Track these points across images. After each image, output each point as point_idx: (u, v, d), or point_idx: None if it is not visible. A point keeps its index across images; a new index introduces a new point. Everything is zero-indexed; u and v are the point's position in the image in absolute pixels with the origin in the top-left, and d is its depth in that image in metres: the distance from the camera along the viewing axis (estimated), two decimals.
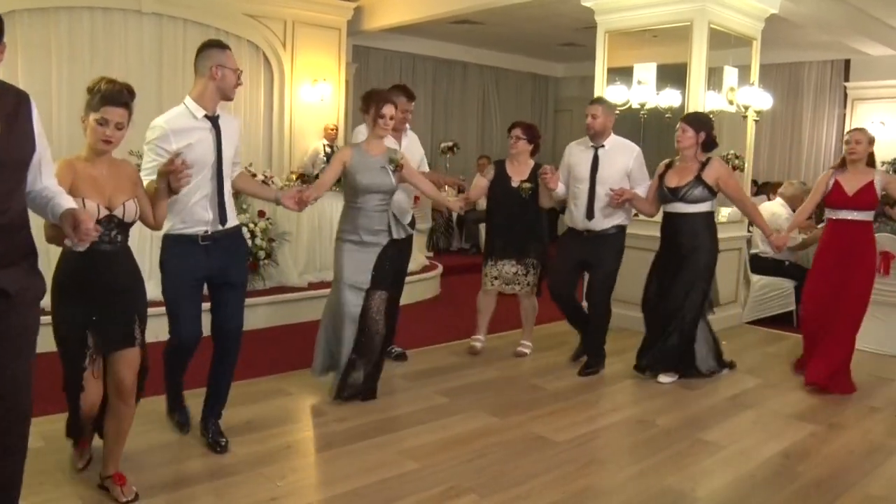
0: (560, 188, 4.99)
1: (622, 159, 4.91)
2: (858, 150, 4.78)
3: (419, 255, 7.45)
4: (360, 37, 10.29)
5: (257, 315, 5.63)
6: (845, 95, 10.45)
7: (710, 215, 4.84)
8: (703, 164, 4.73)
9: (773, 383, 5.02)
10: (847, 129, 10.23)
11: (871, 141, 4.87)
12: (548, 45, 11.60)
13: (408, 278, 7.13)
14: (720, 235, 6.16)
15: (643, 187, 4.94)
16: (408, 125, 5.01)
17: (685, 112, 6.00)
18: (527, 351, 5.37)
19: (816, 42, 9.51)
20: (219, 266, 3.41)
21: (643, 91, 6.22)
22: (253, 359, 4.57)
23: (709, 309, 4.99)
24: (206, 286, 3.49)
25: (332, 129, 9.30)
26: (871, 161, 4.86)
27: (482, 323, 5.42)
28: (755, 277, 6.74)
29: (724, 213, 6.72)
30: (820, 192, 4.91)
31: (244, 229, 5.76)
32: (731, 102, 6.29)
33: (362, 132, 4.52)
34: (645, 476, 3.49)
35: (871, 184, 4.71)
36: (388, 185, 4.25)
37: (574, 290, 5.14)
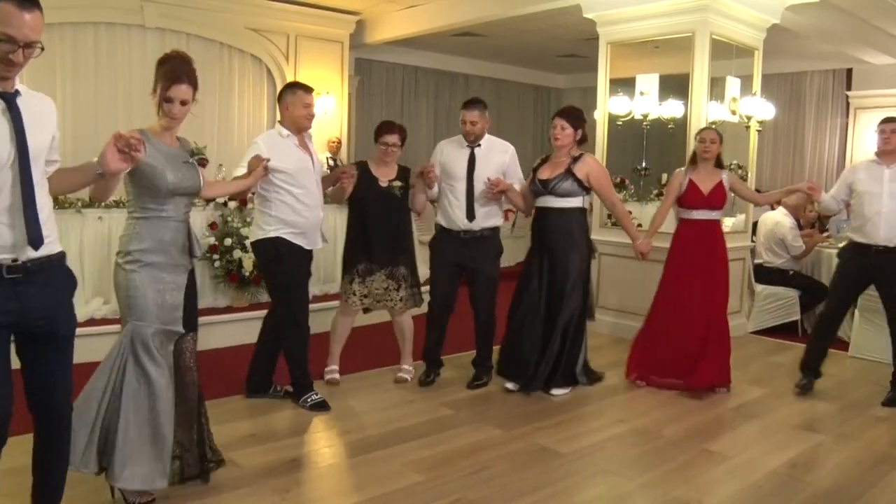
0: (434, 188, 4.82)
1: (498, 157, 4.85)
2: (712, 149, 4.90)
3: (422, 267, 7.43)
4: (362, 50, 10.35)
5: (253, 329, 5.52)
6: (847, 104, 10.44)
7: (582, 213, 4.76)
8: (576, 159, 4.68)
9: (778, 393, 5.00)
10: (850, 138, 10.27)
11: (722, 140, 4.99)
12: (549, 57, 11.64)
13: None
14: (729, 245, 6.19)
15: (518, 186, 4.90)
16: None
17: (688, 123, 6.03)
18: (408, 377, 4.97)
19: (818, 52, 9.52)
20: (33, 309, 2.36)
21: (646, 102, 6.23)
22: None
23: (588, 316, 4.87)
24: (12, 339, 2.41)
25: (335, 142, 9.34)
26: (718, 161, 4.97)
27: (336, 350, 4.90)
28: (759, 287, 6.73)
29: (728, 222, 6.72)
30: (674, 193, 4.94)
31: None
32: (733, 112, 6.29)
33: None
34: (651, 487, 3.47)
35: (721, 183, 4.87)
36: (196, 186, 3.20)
37: (454, 301, 4.94)
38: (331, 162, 8.88)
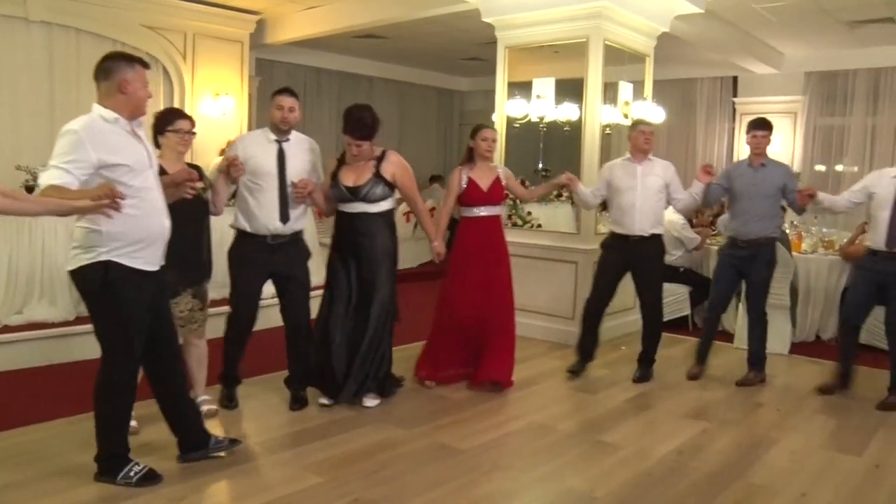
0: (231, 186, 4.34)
1: (305, 154, 4.41)
2: (494, 147, 5.00)
3: (322, 269, 7.37)
4: (263, 50, 10.19)
5: None
6: (734, 110, 11.00)
7: (390, 214, 4.56)
8: (380, 159, 4.43)
9: (669, 385, 5.23)
10: (737, 141, 10.82)
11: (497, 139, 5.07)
12: (452, 60, 11.77)
13: (317, 292, 7.08)
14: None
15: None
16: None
17: (583, 125, 6.22)
18: (214, 407, 4.32)
19: (707, 60, 9.99)
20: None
21: (542, 105, 6.40)
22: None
23: (395, 316, 4.64)
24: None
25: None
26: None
27: (201, 377, 4.34)
28: None
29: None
30: (455, 191, 4.92)
31: None
32: (626, 116, 6.54)
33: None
34: (547, 479, 3.58)
35: (498, 178, 4.95)
36: None
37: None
38: None
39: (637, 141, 5.22)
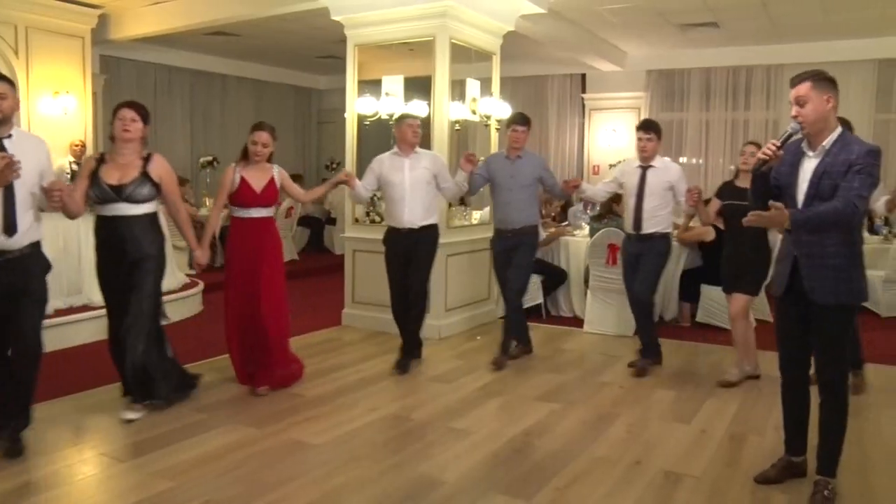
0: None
1: (39, 153, 3.81)
2: (264, 153, 4.75)
3: (178, 273, 7.19)
4: (108, 46, 9.73)
5: None
6: (583, 106, 11.52)
7: (155, 217, 4.33)
8: (146, 160, 4.24)
9: (521, 370, 5.44)
10: (587, 135, 11.35)
11: (275, 139, 4.88)
12: (309, 58, 11.68)
13: (169, 297, 6.88)
14: (472, 237, 6.61)
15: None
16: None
17: (431, 122, 6.35)
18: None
19: (557, 57, 10.41)
20: None
21: (392, 102, 6.48)
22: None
23: (162, 316, 4.49)
24: None
25: (79, 145, 8.68)
26: (269, 157, 4.82)
27: None
28: None
29: (476, 216, 7.19)
30: (227, 190, 4.72)
31: None
32: (473, 112, 6.73)
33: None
34: (399, 467, 3.65)
35: (272, 180, 4.78)
36: None
37: None
38: (74, 167, 8.26)
39: (405, 134, 5.28)
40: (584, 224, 7.68)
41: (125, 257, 4.17)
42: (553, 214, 8.25)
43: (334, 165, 9.25)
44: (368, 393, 4.89)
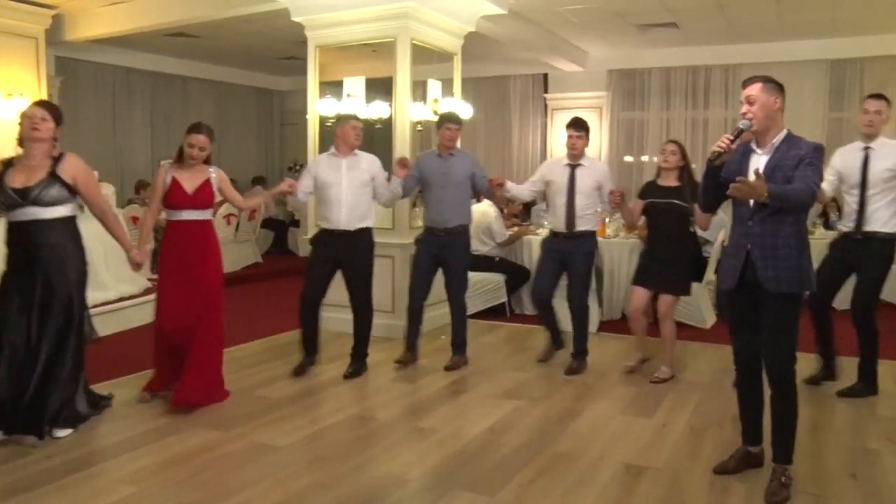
0: None
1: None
2: (201, 156, 4.58)
3: (140, 279, 7.09)
4: (64, 48, 9.55)
5: None
6: (546, 105, 11.62)
7: (72, 222, 4.07)
8: (57, 160, 3.98)
9: (485, 369, 5.48)
10: (549, 134, 11.44)
11: (213, 139, 4.68)
12: (270, 59, 11.60)
13: (131, 301, 6.79)
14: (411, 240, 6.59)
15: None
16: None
17: (393, 123, 6.36)
18: None
19: (519, 58, 10.48)
20: None
21: (353, 103, 6.47)
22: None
23: (91, 333, 4.28)
24: None
25: None
26: (206, 159, 4.66)
27: None
28: (469, 274, 7.25)
29: None
30: (160, 190, 4.55)
31: None
32: (435, 113, 6.74)
33: None
34: (364, 467, 3.66)
35: (208, 181, 4.58)
36: None
37: None
38: None
39: (347, 135, 5.21)
40: (546, 223, 7.73)
41: (39, 269, 3.91)
42: (516, 213, 8.30)
43: (298, 167, 9.26)
44: (333, 394, 4.89)
